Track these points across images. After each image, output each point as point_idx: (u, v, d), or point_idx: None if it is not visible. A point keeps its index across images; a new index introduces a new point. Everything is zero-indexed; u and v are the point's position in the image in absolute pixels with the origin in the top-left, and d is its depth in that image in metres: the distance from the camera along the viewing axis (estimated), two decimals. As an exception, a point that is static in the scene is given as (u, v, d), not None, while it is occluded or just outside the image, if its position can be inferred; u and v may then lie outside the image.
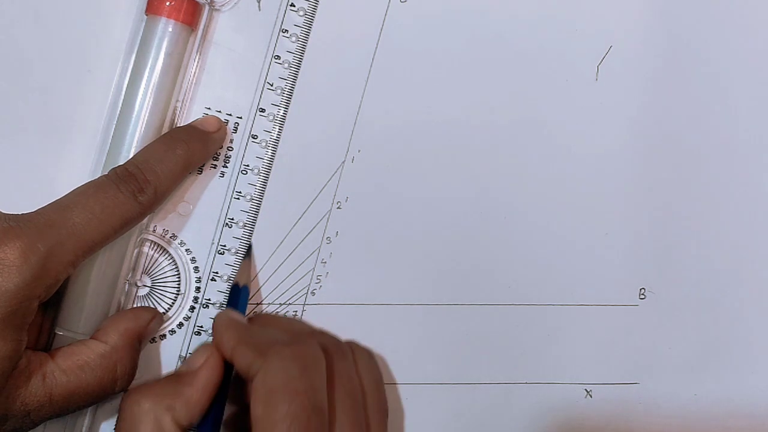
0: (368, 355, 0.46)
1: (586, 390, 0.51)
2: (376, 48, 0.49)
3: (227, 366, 0.43)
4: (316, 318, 0.49)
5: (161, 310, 0.47)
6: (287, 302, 0.49)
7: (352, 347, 0.46)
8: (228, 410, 0.44)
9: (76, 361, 0.41)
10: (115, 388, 0.42)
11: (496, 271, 0.51)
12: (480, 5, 0.50)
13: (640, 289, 0.52)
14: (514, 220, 0.51)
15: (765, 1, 0.52)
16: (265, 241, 0.49)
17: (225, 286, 0.48)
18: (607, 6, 0.51)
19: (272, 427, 0.39)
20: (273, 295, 0.49)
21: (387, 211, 0.50)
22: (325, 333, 0.46)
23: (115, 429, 0.41)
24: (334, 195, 0.49)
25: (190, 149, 0.45)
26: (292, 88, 0.48)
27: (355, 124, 0.49)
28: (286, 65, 0.48)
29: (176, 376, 0.43)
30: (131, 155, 0.44)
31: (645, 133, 0.51)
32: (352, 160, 0.49)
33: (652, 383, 0.51)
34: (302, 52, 0.49)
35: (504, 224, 0.50)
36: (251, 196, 0.48)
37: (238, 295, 0.47)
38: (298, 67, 0.48)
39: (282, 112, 0.48)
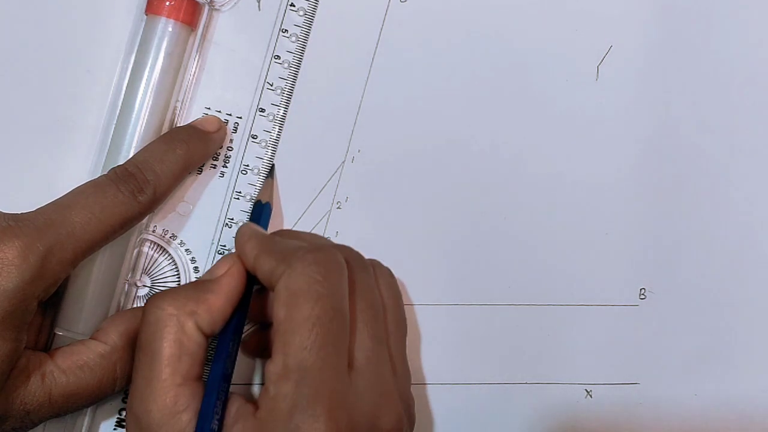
0: (389, 273, 0.46)
1: (586, 390, 0.51)
2: (376, 48, 0.49)
3: (249, 279, 0.43)
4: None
5: None
6: (287, 302, 0.48)
7: (374, 264, 0.46)
8: (246, 329, 0.45)
9: (75, 361, 0.41)
10: (115, 388, 0.42)
11: (496, 271, 0.51)
12: (480, 5, 0.50)
13: (641, 289, 0.51)
14: (515, 220, 0.51)
15: (765, 0, 0.52)
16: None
17: None
18: (607, 5, 0.51)
19: (295, 328, 0.39)
20: (273, 295, 0.48)
21: (387, 211, 0.50)
22: (348, 247, 0.45)
23: (138, 335, 0.41)
24: (334, 195, 0.49)
25: (190, 149, 0.45)
26: (292, 88, 0.48)
27: (355, 124, 0.49)
28: (285, 65, 0.48)
29: (199, 284, 0.43)
30: (131, 155, 0.44)
31: (645, 132, 0.51)
32: (352, 160, 0.49)
33: (653, 383, 0.51)
34: (302, 52, 0.48)
35: (504, 224, 0.50)
36: (251, 196, 0.48)
37: (261, 212, 0.47)
38: (298, 67, 0.48)
39: (282, 112, 0.48)
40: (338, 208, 0.49)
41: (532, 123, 0.51)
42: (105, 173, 0.42)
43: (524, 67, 0.51)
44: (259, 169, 0.48)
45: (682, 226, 0.52)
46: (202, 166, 0.47)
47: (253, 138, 0.48)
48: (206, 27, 0.47)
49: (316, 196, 0.49)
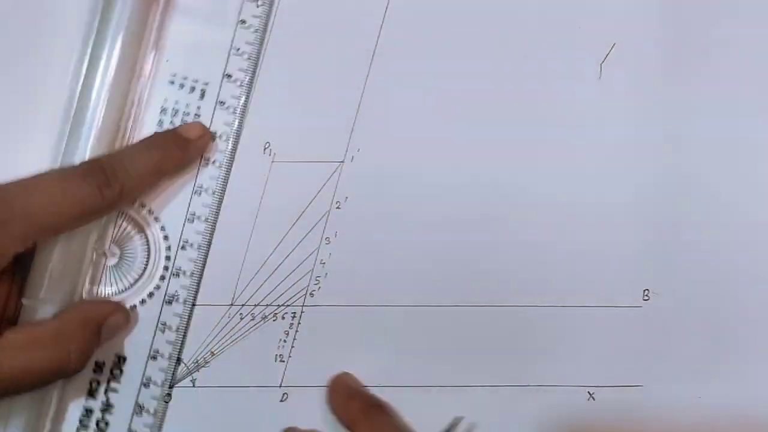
0: None
1: (588, 393, 0.50)
2: (376, 45, 0.50)
3: None
4: (315, 320, 0.48)
5: (130, 281, 0.47)
6: (285, 304, 0.48)
7: None
8: None
9: (27, 335, 0.41)
10: (69, 368, 0.42)
11: (497, 272, 0.50)
12: (481, 3, 0.50)
13: (644, 291, 0.50)
14: (516, 219, 0.50)
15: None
16: (263, 241, 0.49)
17: (195, 254, 0.48)
18: (609, 3, 0.51)
19: None
20: (271, 296, 0.48)
21: (387, 211, 0.49)
22: None
23: None
24: (334, 195, 0.49)
25: (167, 154, 0.45)
26: (258, 53, 0.49)
27: (354, 123, 0.49)
28: (252, 30, 0.48)
29: None
30: (93, 133, 0.45)
31: (649, 131, 0.51)
32: (352, 159, 0.49)
33: (656, 386, 0.50)
34: (267, 17, 0.49)
35: (505, 224, 0.50)
36: (219, 163, 0.48)
37: None
38: (264, 31, 0.49)
39: (249, 78, 0.49)
40: (338, 208, 0.49)
41: (534, 122, 0.50)
42: (76, 164, 0.43)
43: (526, 66, 0.50)
44: (228, 135, 0.48)
45: (686, 227, 0.51)
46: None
47: (220, 104, 0.48)
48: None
49: (315, 196, 0.49)
